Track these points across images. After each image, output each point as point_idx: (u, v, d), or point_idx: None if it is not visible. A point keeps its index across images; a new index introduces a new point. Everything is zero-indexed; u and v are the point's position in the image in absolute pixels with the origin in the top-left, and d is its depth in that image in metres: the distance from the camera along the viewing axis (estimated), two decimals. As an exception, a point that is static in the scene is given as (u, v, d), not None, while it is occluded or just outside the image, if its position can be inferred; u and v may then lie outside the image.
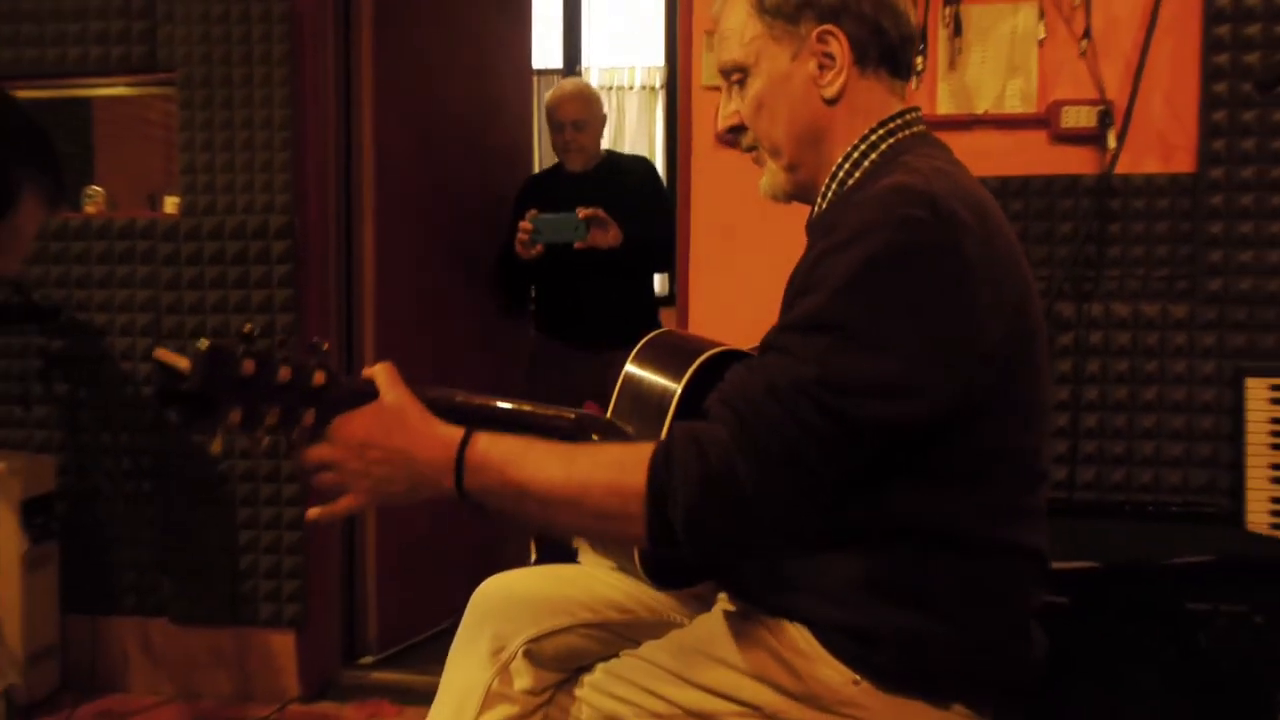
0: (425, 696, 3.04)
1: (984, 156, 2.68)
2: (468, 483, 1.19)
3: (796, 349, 1.14)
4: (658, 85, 5.25)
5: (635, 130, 5.29)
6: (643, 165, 3.71)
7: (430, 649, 3.35)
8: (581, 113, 3.44)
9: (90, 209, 3.27)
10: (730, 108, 1.38)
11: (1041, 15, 2.66)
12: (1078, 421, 2.65)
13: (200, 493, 3.06)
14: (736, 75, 1.36)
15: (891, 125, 1.32)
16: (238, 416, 1.16)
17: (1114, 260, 2.66)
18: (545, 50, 4.95)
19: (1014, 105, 2.70)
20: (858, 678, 1.23)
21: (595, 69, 5.33)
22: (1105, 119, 2.63)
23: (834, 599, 1.24)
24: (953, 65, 2.71)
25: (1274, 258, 2.58)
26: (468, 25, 3.68)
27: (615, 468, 1.17)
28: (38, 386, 3.13)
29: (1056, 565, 1.34)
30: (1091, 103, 2.63)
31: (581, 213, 3.15)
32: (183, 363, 1.13)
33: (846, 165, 1.32)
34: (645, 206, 3.36)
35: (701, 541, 1.16)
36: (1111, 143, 2.62)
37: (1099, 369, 2.65)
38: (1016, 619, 1.29)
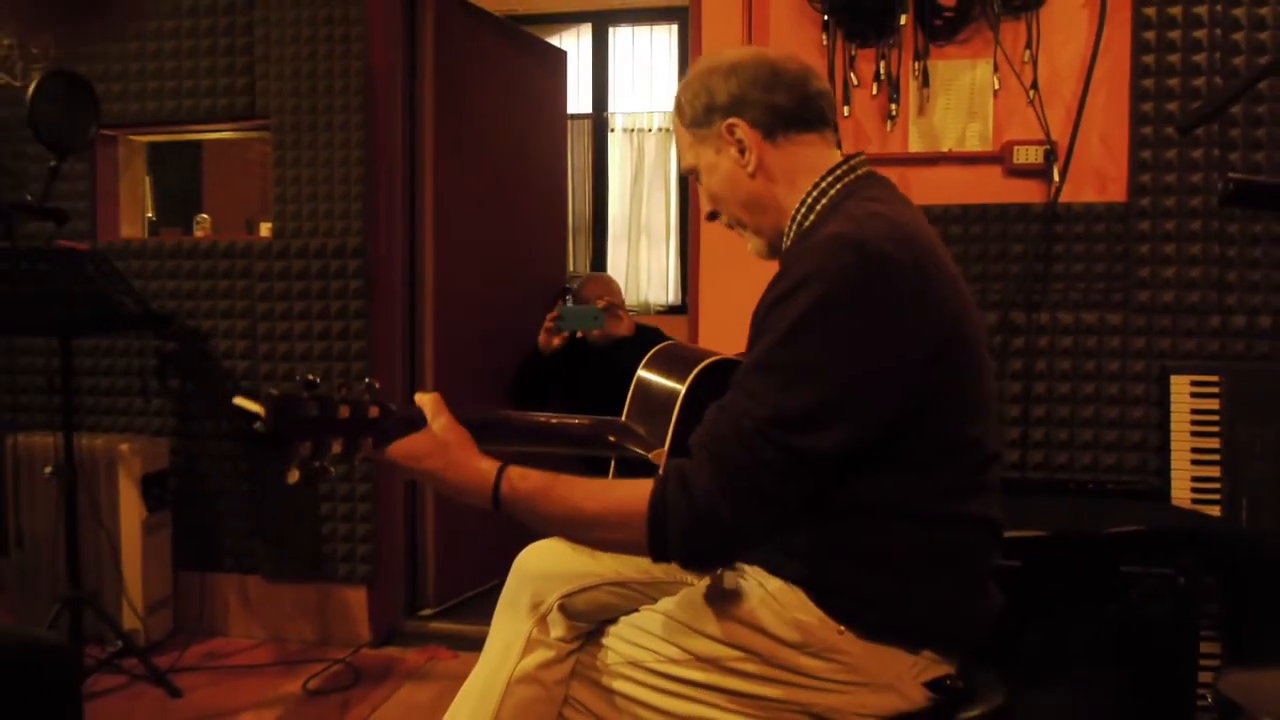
0: (476, 644, 3.06)
1: (948, 187, 2.69)
2: (502, 509, 1.25)
3: (753, 389, 1.17)
4: (672, 127, 5.25)
5: (653, 166, 5.28)
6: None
7: (480, 603, 3.34)
8: (606, 293, 3.36)
9: (199, 233, 3.30)
10: (703, 199, 1.45)
11: (996, 69, 2.65)
12: (1028, 412, 2.64)
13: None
14: (693, 176, 1.44)
15: (839, 172, 1.35)
16: (308, 449, 1.18)
17: (1059, 276, 2.64)
18: (576, 97, 4.95)
19: (973, 144, 2.68)
20: (842, 628, 1.23)
21: (620, 113, 5.32)
22: (1050, 156, 2.61)
23: (818, 564, 1.25)
24: (921, 111, 2.70)
25: (1193, 273, 2.57)
26: (513, 77, 3.68)
27: (621, 506, 1.21)
28: (155, 381, 3.14)
29: (1010, 534, 1.34)
30: (1038, 142, 2.62)
31: (600, 303, 3.18)
32: (255, 407, 1.14)
33: (803, 210, 1.35)
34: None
35: (696, 564, 1.25)
36: (1055, 176, 2.61)
37: (1046, 367, 2.63)
38: (974, 578, 1.29)
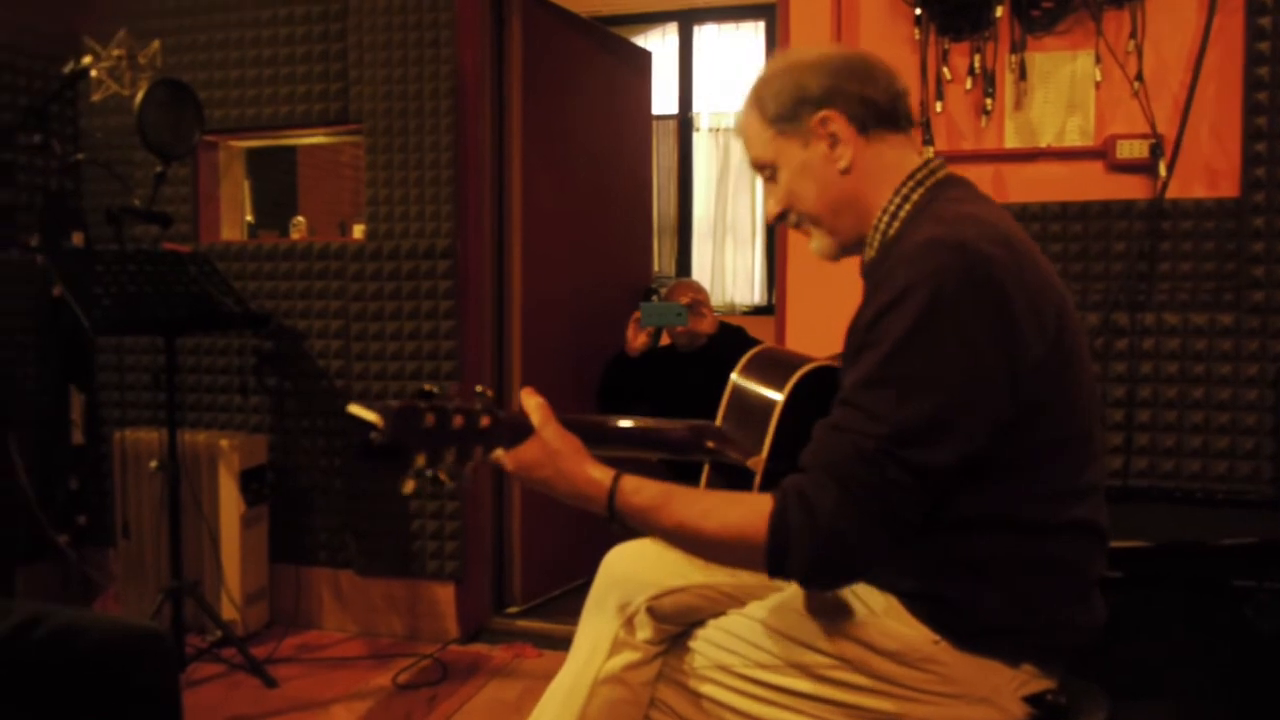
0: (560, 642, 3.09)
1: (1046, 184, 2.61)
2: (616, 518, 1.24)
3: (868, 405, 1.13)
4: (741, 125, 5.20)
5: (739, 166, 5.25)
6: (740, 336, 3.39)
7: (565, 602, 3.36)
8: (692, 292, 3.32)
9: (295, 235, 3.38)
10: (771, 199, 1.40)
11: (1098, 60, 2.56)
12: (1132, 417, 2.54)
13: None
14: (766, 171, 1.38)
15: (919, 176, 1.31)
16: (423, 460, 1.19)
17: (1165, 275, 2.54)
18: (661, 97, 4.94)
19: (1073, 139, 2.60)
20: (937, 638, 1.20)
21: (705, 114, 5.30)
22: (1156, 150, 2.51)
23: (915, 573, 1.22)
24: (1018, 105, 2.63)
25: (1314, 272, 2.43)
26: (599, 78, 3.70)
27: (740, 527, 1.17)
28: (253, 379, 3.22)
29: (1112, 544, 1.29)
30: (1143, 136, 2.52)
31: (683, 299, 3.17)
32: (372, 416, 1.15)
33: (885, 218, 1.30)
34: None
35: (818, 585, 1.22)
36: (1162, 171, 2.51)
37: (1152, 370, 2.53)
38: (1077, 588, 1.24)
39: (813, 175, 1.32)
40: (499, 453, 1.26)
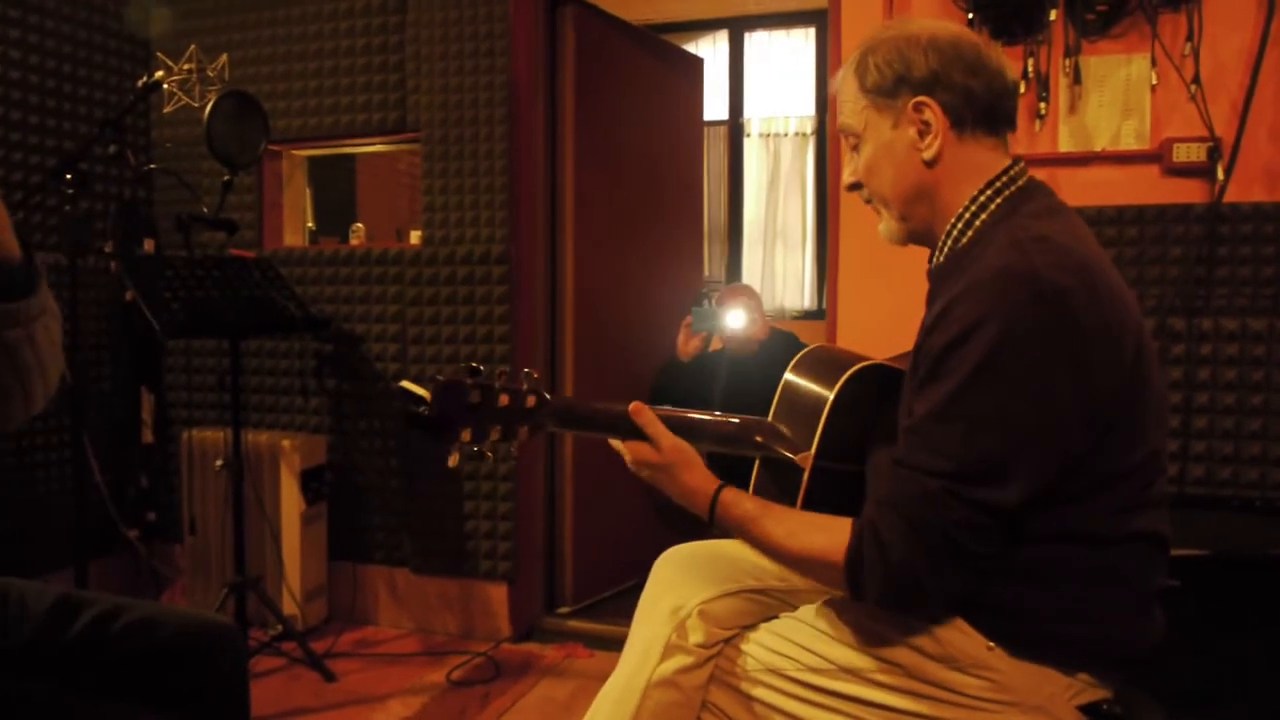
0: (611, 643, 3.09)
1: (1101, 188, 2.56)
2: (716, 525, 1.32)
3: (935, 441, 1.13)
4: (809, 131, 5.18)
5: (790, 171, 5.22)
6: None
7: (616, 604, 3.37)
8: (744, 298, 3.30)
9: (354, 241, 3.43)
10: (849, 168, 1.37)
11: (1154, 64, 2.51)
12: (1189, 424, 2.48)
13: (434, 468, 3.14)
14: (852, 139, 1.34)
15: (998, 184, 1.26)
16: (468, 435, 1.22)
17: (1223, 280, 2.48)
18: (713, 104, 4.93)
19: (1129, 143, 2.55)
20: (992, 644, 1.18)
21: (755, 119, 5.28)
22: (1214, 153, 2.45)
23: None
24: (1072, 109, 2.58)
25: (1379, 277, 2.36)
26: (650, 85, 3.71)
27: (819, 554, 1.22)
28: (313, 381, 3.28)
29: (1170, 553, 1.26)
30: (1200, 139, 2.46)
31: (735, 305, 3.15)
32: (423, 392, 1.18)
33: (959, 225, 1.26)
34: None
35: (894, 612, 1.23)
36: (1220, 175, 2.45)
37: (1209, 376, 2.47)
38: (1137, 597, 1.22)
39: (894, 158, 1.28)
40: (619, 444, 1.36)
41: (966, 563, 1.13)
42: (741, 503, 1.30)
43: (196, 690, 1.27)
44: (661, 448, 1.33)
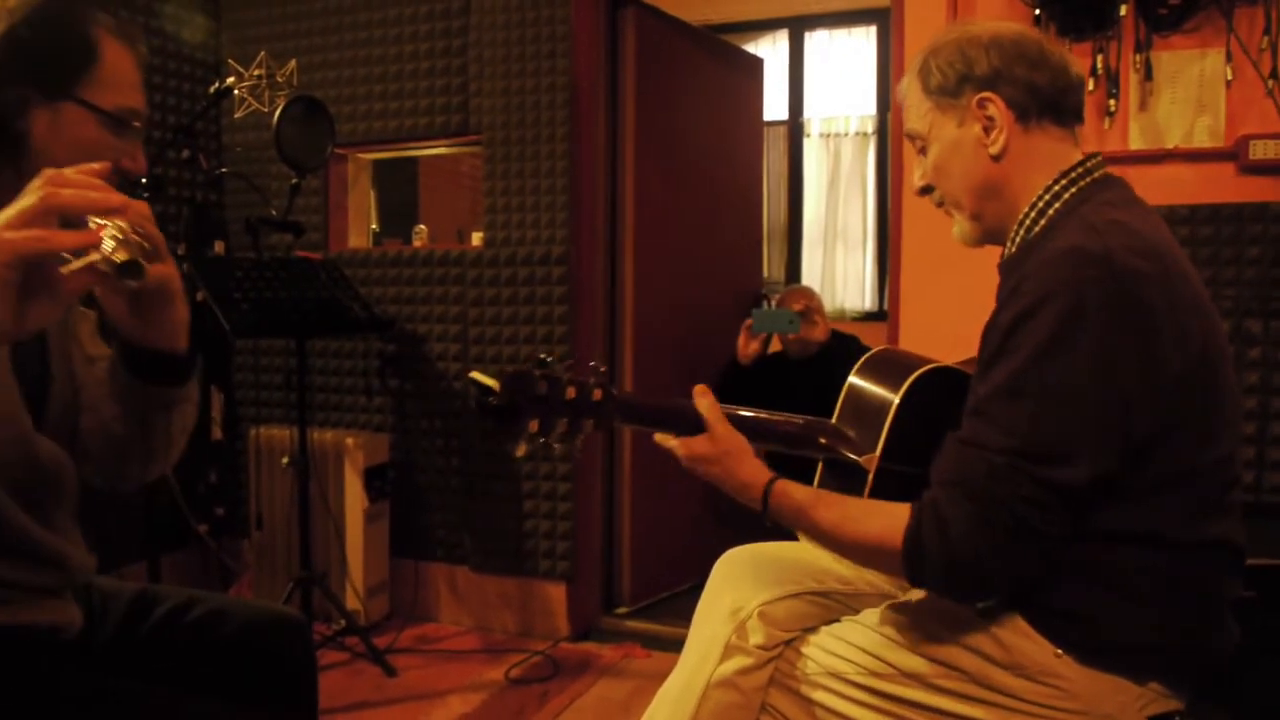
0: (668, 644, 3.09)
1: (1174, 187, 2.50)
2: (769, 516, 1.31)
3: (999, 419, 1.12)
4: (870, 131, 5.13)
5: (850, 171, 5.18)
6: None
7: (673, 604, 3.37)
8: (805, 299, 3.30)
9: (417, 243, 3.48)
10: (918, 172, 1.37)
11: (1229, 58, 2.44)
12: (1265, 429, 2.41)
13: (494, 467, 3.18)
14: (919, 143, 1.35)
15: (1073, 175, 1.25)
16: (535, 425, 1.23)
17: (1302, 281, 2.40)
18: (773, 104, 4.91)
19: (1202, 140, 2.48)
20: (1059, 651, 1.16)
21: (816, 119, 5.25)
22: (1295, 151, 2.38)
23: (1043, 584, 1.18)
24: (1143, 106, 2.53)
25: None
26: (710, 86, 3.70)
27: (877, 539, 1.20)
28: (376, 381, 3.33)
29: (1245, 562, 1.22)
30: (1278, 136, 2.39)
31: (796, 306, 3.13)
32: (492, 383, 1.20)
33: (1032, 214, 1.26)
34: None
35: (956, 600, 1.22)
36: (1300, 172, 2.37)
37: (1286, 381, 2.40)
38: (1211, 607, 1.19)
39: (962, 156, 1.29)
40: (670, 440, 1.35)
41: (1032, 544, 1.11)
42: (795, 492, 1.29)
43: (268, 681, 1.30)
44: (716, 435, 1.33)
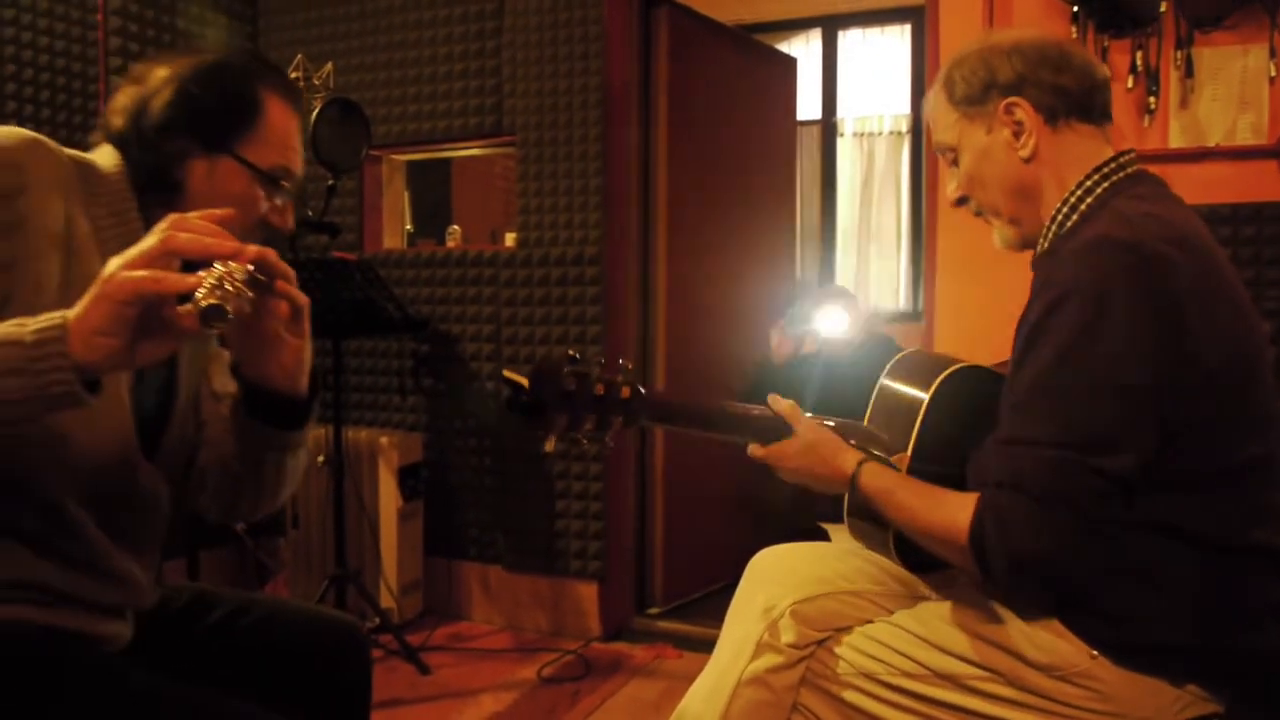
0: (700, 644, 3.08)
1: (1215, 185, 2.47)
2: (853, 500, 1.35)
3: (1042, 413, 1.13)
4: (904, 130, 5.10)
5: (884, 171, 5.15)
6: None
7: (705, 605, 3.36)
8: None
9: (450, 244, 3.51)
10: (952, 183, 1.39)
11: (1273, 54, 2.40)
12: (1309, 432, 2.37)
13: (526, 467, 3.19)
14: (950, 155, 1.36)
15: (1105, 170, 1.26)
16: (564, 422, 1.24)
17: (1349, 281, 2.36)
18: (806, 103, 4.89)
19: (1245, 138, 2.45)
20: (1095, 653, 1.15)
21: (849, 118, 5.23)
22: (1341, 148, 2.34)
23: (1076, 581, 1.18)
24: (1184, 103, 2.50)
25: None
26: (744, 87, 3.70)
27: (946, 529, 1.21)
28: (410, 380, 3.35)
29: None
30: (1326, 133, 2.35)
31: (831, 308, 3.11)
32: (523, 380, 1.22)
33: (1064, 209, 1.26)
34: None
35: (1023, 595, 1.23)
36: (1347, 170, 2.33)
37: (1332, 383, 2.36)
38: (1251, 611, 1.17)
39: (993, 162, 1.31)
40: (755, 448, 1.40)
41: (1095, 535, 1.12)
42: (881, 475, 1.31)
43: (322, 688, 1.32)
44: (802, 430, 1.38)
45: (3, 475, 1.05)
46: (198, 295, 0.93)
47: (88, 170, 1.12)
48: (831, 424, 1.44)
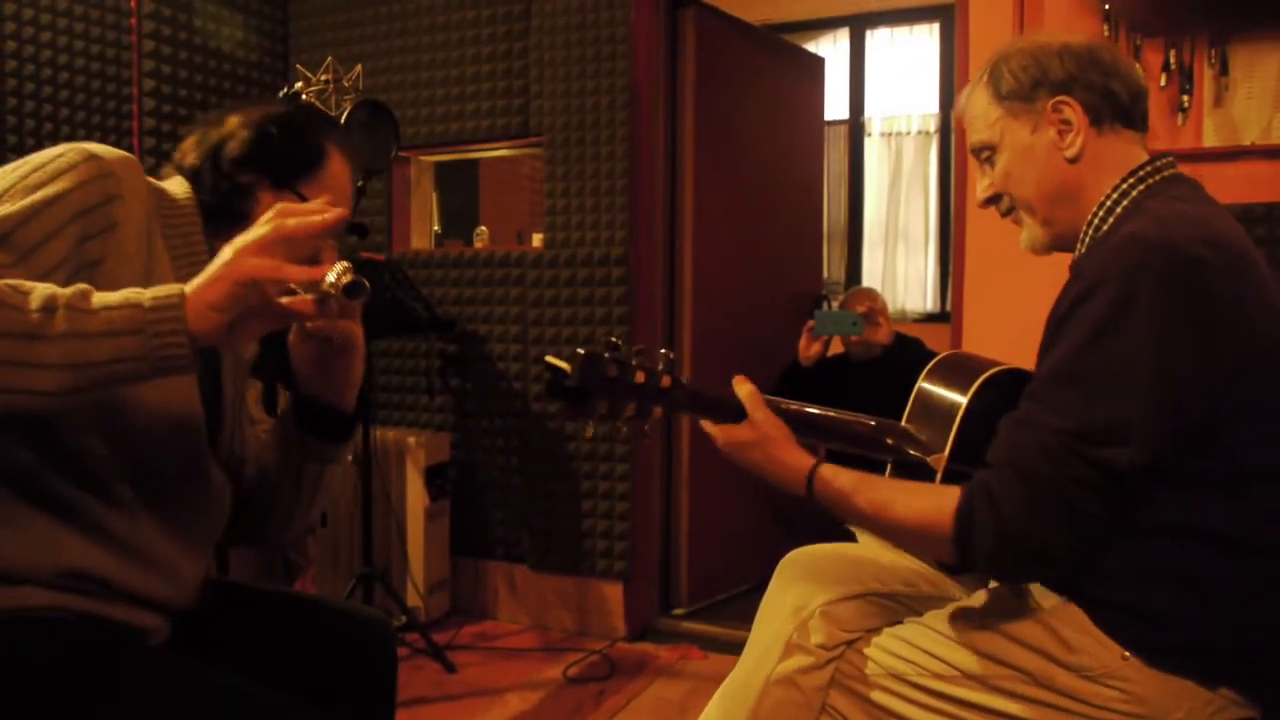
0: (726, 645, 3.09)
1: (1251, 184, 2.45)
2: (814, 499, 1.30)
3: (1053, 400, 1.13)
4: (932, 130, 5.08)
5: (912, 170, 5.13)
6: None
7: (730, 607, 3.37)
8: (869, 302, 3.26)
9: (478, 244, 3.54)
10: (985, 182, 1.38)
11: (1312, 51, 2.37)
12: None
13: (553, 467, 3.21)
14: (986, 153, 1.36)
15: (1141, 173, 1.26)
16: (604, 408, 1.25)
17: (1387, 281, 2.32)
18: (834, 103, 4.88)
19: (1281, 136, 2.42)
20: (1127, 654, 1.15)
21: (877, 117, 5.21)
22: (1380, 146, 2.31)
23: (1112, 582, 1.18)
24: (1218, 102, 2.48)
25: None
26: (770, 85, 3.71)
27: (927, 518, 1.21)
28: (438, 380, 3.38)
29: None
30: (1365, 132, 2.32)
31: (859, 308, 3.10)
32: (566, 365, 1.23)
33: (1100, 213, 1.26)
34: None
35: (1003, 580, 1.24)
36: (1386, 169, 2.30)
37: (1369, 385, 2.32)
38: None
39: (1035, 160, 1.30)
40: (711, 426, 1.35)
41: (1082, 527, 1.13)
42: (840, 476, 1.28)
43: (349, 682, 1.34)
44: (755, 421, 1.32)
45: (70, 447, 1.08)
46: (330, 279, 1.03)
47: (162, 194, 1.23)
48: (873, 423, 1.44)
